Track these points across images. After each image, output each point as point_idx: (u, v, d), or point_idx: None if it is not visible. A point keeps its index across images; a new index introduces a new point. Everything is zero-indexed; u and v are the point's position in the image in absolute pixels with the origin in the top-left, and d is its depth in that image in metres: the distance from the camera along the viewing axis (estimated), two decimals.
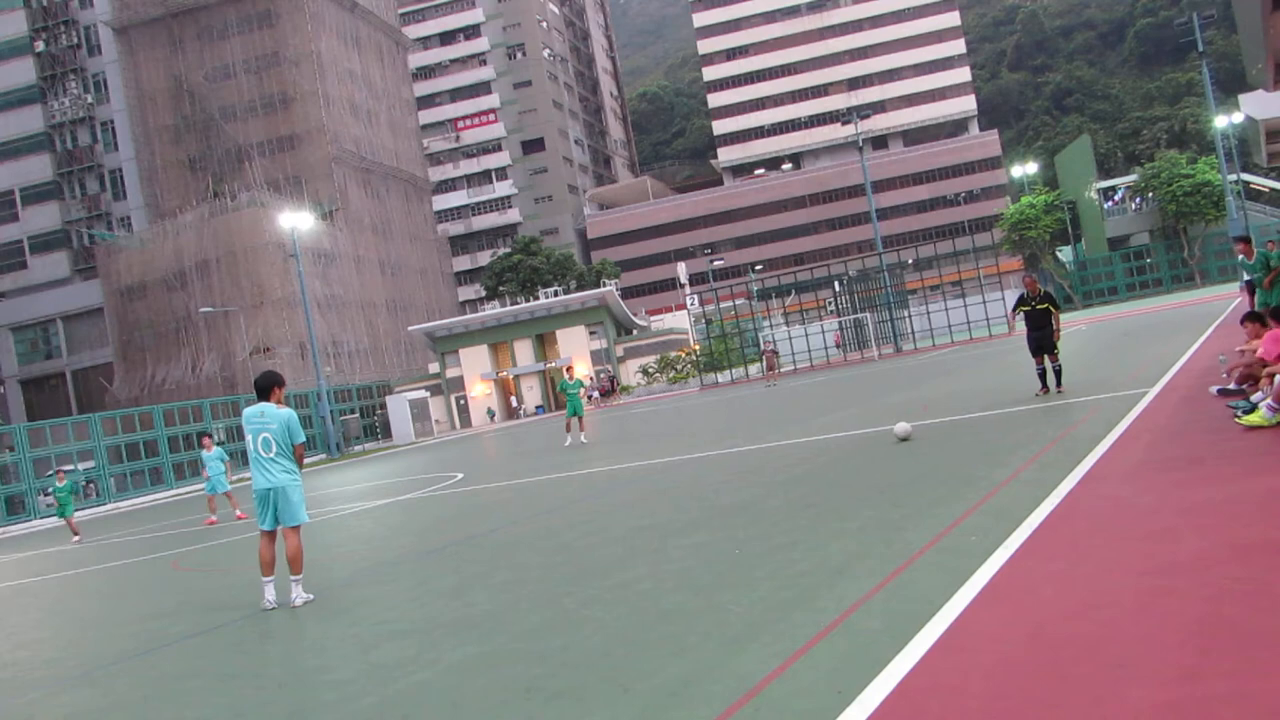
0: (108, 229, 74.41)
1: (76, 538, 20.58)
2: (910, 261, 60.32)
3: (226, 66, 70.86)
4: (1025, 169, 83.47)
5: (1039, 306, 14.98)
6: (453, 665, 5.61)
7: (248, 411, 8.47)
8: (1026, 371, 16.19)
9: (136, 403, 58.08)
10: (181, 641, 7.61)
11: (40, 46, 76.79)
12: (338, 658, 6.30)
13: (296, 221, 44.88)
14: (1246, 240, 14.26)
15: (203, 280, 62.91)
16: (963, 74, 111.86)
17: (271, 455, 8.29)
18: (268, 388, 8.50)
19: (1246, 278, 22.52)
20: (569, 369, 27.02)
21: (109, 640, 8.38)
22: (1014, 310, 15.60)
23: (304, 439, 8.55)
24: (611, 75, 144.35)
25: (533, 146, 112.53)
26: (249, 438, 8.39)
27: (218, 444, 21.05)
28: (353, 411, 54.98)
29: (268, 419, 8.34)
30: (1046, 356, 14.96)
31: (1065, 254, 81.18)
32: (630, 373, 59.78)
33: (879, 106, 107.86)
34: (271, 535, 8.39)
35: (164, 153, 71.58)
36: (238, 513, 18.65)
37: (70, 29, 77.27)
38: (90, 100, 76.35)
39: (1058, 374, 14.99)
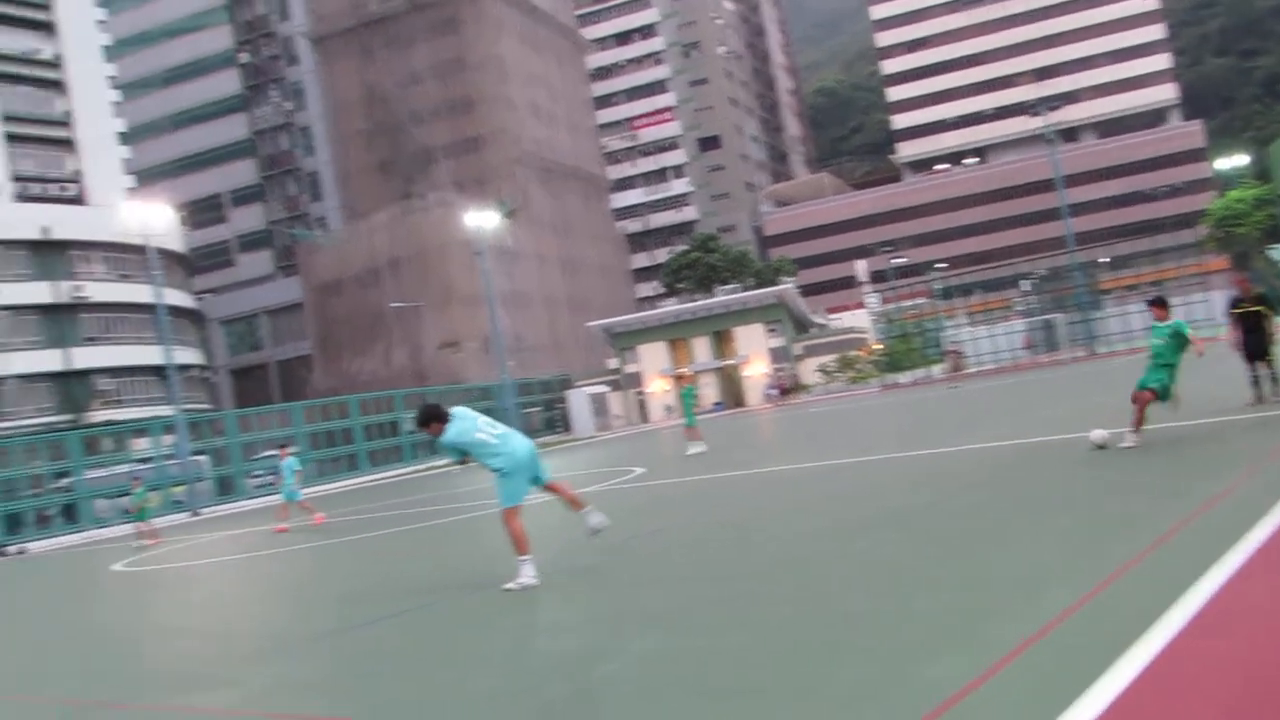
0: (307, 229, 78.95)
1: (149, 542, 20.50)
2: (1105, 260, 57.22)
3: (414, 73, 73.96)
4: (1233, 161, 78.02)
5: (1252, 309, 14.02)
6: (636, 659, 5.67)
7: (465, 423, 8.28)
8: (1237, 378, 15.12)
9: (334, 392, 61.18)
10: (378, 622, 7.98)
11: (244, 58, 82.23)
12: (527, 645, 6.49)
13: (481, 221, 46.45)
14: None
15: (394, 277, 65.90)
16: (1162, 60, 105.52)
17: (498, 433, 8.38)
18: (427, 422, 8.34)
19: None
20: (679, 376, 26.64)
21: (310, 618, 8.91)
22: (1230, 315, 14.63)
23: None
24: (787, 70, 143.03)
25: (709, 144, 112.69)
26: (481, 435, 8.23)
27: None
28: (535, 405, 56.50)
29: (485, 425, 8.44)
30: (1260, 362, 13.95)
31: (1277, 253, 75.36)
32: (809, 371, 59.08)
33: (1070, 97, 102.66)
34: (517, 511, 8.35)
35: (357, 156, 75.38)
36: (317, 516, 19.21)
37: (271, 41, 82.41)
38: (290, 108, 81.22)
39: (1273, 382, 13.95)
